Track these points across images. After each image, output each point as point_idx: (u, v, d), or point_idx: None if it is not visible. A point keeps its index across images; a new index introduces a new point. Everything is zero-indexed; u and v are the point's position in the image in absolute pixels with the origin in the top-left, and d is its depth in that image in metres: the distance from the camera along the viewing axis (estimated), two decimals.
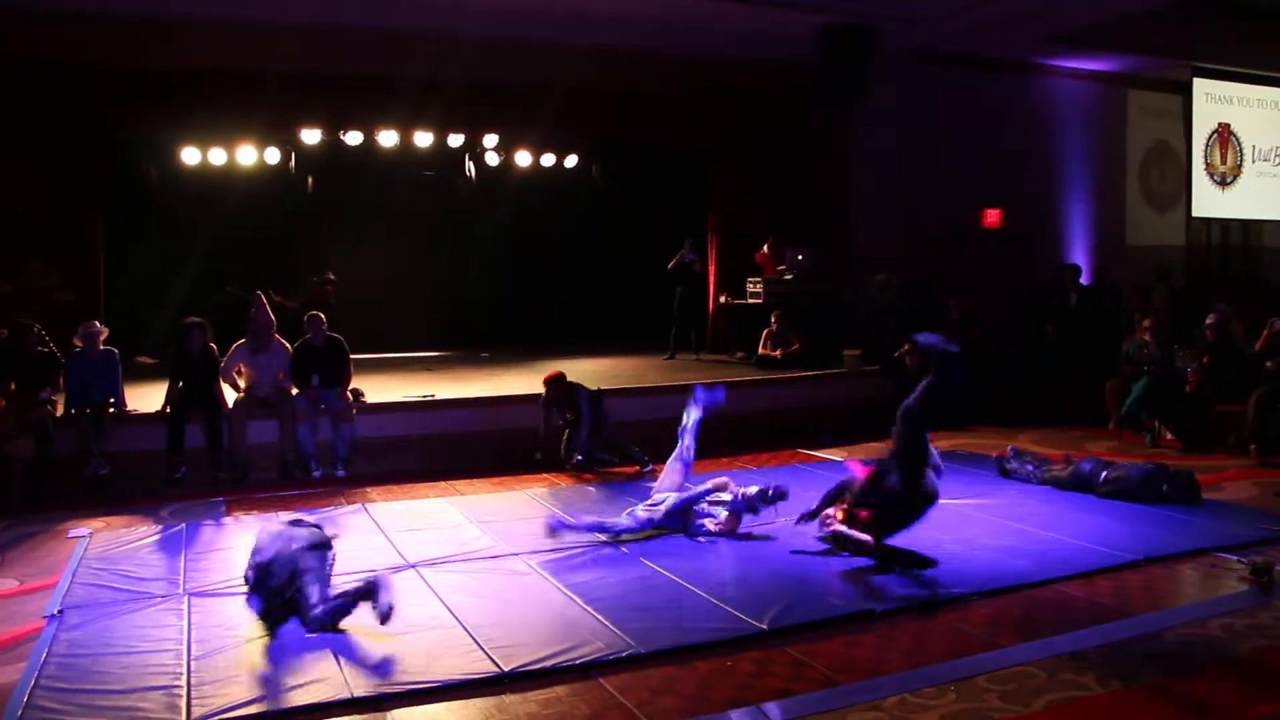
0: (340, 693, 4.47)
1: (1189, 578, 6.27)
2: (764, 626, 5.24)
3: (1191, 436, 10.45)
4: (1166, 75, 16.98)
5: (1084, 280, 14.34)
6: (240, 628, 5.35)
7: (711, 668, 4.82)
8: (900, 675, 4.70)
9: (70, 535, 7.41)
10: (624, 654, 4.89)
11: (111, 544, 7.05)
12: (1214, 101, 17.43)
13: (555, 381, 9.74)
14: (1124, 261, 16.12)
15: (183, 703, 4.40)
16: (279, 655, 4.96)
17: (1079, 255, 16.23)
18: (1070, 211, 16.71)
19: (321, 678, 4.63)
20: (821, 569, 6.33)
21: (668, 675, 4.72)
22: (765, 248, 14.27)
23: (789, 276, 13.87)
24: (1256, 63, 17.38)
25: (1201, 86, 17.19)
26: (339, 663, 4.80)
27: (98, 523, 7.74)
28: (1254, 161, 18.03)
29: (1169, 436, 10.70)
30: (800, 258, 13.87)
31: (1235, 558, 6.46)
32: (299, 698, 4.45)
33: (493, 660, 4.80)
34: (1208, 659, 4.90)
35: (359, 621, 5.33)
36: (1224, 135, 17.67)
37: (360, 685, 4.54)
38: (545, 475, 9.40)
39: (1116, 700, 4.44)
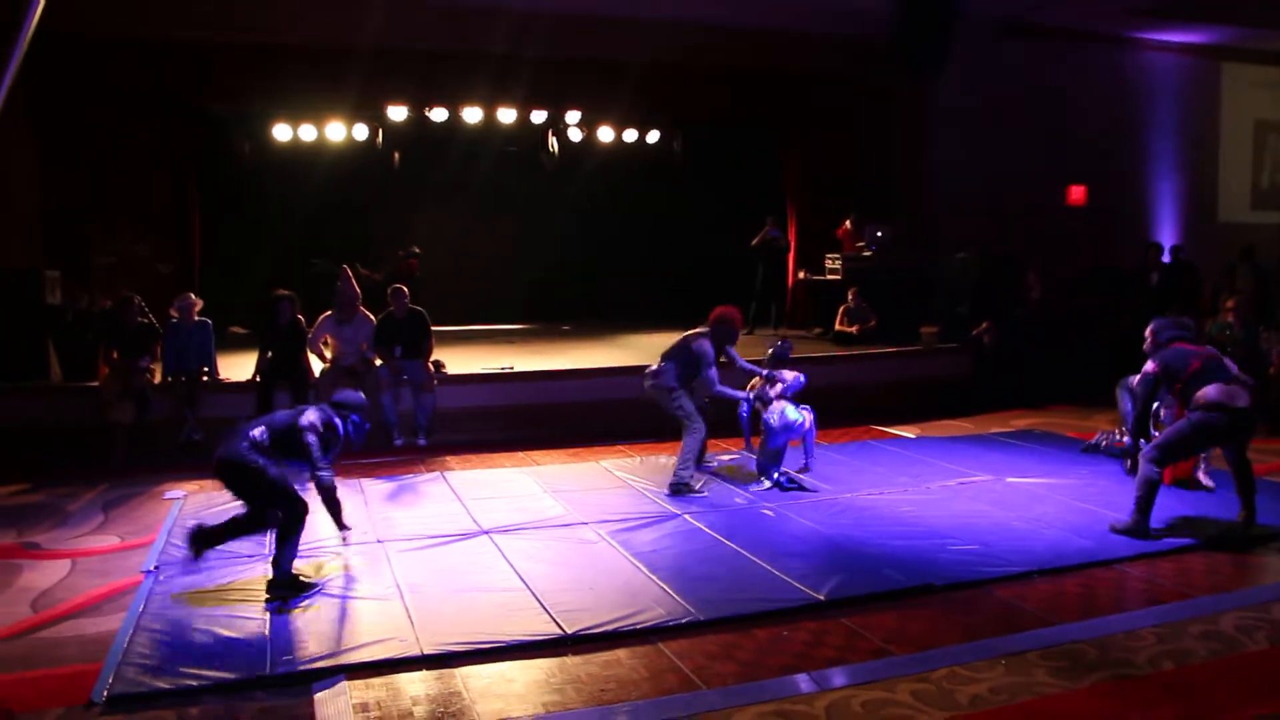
0: (411, 650, 4.72)
1: (1255, 563, 6.23)
2: (821, 598, 5.38)
3: (1275, 419, 10.27)
4: (1267, 46, 16.50)
5: (1166, 259, 14.09)
6: (321, 586, 5.65)
7: (769, 636, 4.98)
8: (951, 649, 4.79)
9: (166, 496, 7.84)
10: (684, 620, 5.07)
11: (204, 505, 7.41)
12: None
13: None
14: (1214, 240, 15.78)
15: (266, 654, 4.69)
16: (356, 614, 5.23)
17: (1166, 233, 15.92)
18: (1158, 189, 16.40)
19: (394, 635, 4.89)
20: (881, 542, 6.43)
21: (725, 642, 4.89)
22: (847, 223, 14.27)
23: (868, 253, 13.86)
24: None
25: None
26: (411, 622, 5.06)
27: (191, 485, 8.15)
28: None
29: None
30: (880, 234, 13.85)
31: None
32: (374, 653, 4.71)
33: (557, 623, 5.01)
34: (1266, 643, 4.91)
35: (431, 583, 5.61)
36: None
37: (430, 643, 4.79)
38: (619, 447, 9.60)
39: (1166, 679, 4.50)
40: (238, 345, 11.62)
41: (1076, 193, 15.58)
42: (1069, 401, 11.90)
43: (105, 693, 4.34)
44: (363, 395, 6.20)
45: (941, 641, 4.90)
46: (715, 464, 8.73)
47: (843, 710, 4.20)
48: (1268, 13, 15.01)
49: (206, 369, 9.66)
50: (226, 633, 4.97)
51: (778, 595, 5.44)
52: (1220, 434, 6.51)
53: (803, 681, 4.46)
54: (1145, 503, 6.53)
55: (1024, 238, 14.22)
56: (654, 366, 8.03)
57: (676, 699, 4.29)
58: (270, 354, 9.67)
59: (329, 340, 9.92)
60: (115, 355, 9.38)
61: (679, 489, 7.70)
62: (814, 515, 7.08)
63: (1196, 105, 16.74)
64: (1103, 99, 15.69)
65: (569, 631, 4.92)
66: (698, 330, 8.16)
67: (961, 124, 14.55)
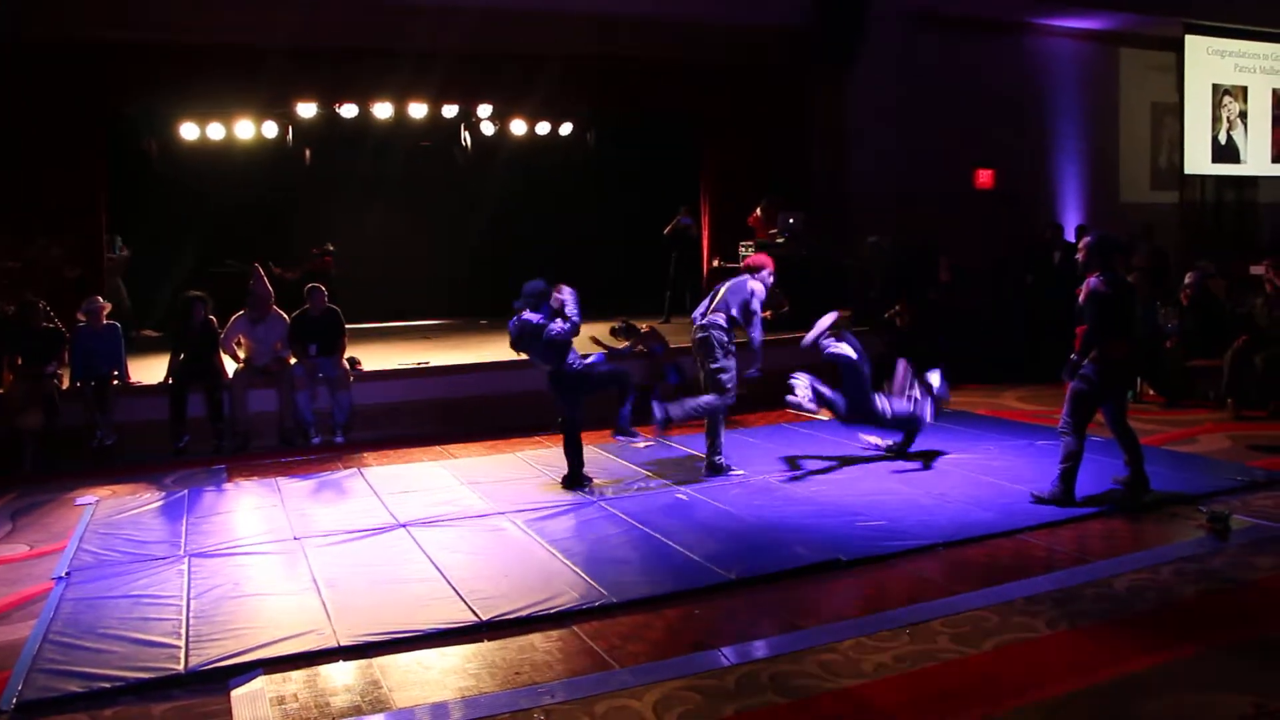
0: (328, 642, 4.76)
1: (1149, 528, 6.49)
2: (732, 576, 5.51)
3: (1172, 392, 10.66)
4: (1160, 32, 17.02)
5: (1069, 238, 14.48)
6: (238, 585, 5.64)
7: (680, 615, 5.09)
8: (858, 620, 4.95)
9: (77, 503, 7.72)
10: (597, 603, 5.16)
11: (117, 510, 7.35)
12: (1208, 57, 17.47)
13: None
14: (1117, 219, 16.20)
15: (181, 653, 4.69)
16: (273, 610, 5.24)
17: (1072, 214, 16.34)
18: (1064, 171, 16.81)
19: (312, 629, 4.91)
20: (792, 522, 6.58)
21: (637, 623, 5.00)
22: (758, 211, 14.43)
23: (780, 240, 14.04)
24: (1251, 19, 17.42)
25: (1195, 43, 17.22)
26: (328, 614, 5.08)
27: (104, 490, 8.05)
28: (1248, 118, 18.08)
29: (1150, 392, 10.89)
30: (792, 220, 14.02)
31: (1198, 508, 6.68)
32: (290, 647, 4.73)
33: (473, 611, 5.07)
34: (1155, 603, 5.14)
35: (347, 577, 5.64)
36: (1218, 92, 17.72)
37: (347, 635, 4.82)
38: (537, 439, 9.65)
39: (1060, 640, 4.70)
40: (149, 348, 11.45)
41: (984, 177, 15.92)
42: (979, 380, 12.20)
43: (14, 699, 4.29)
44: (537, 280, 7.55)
45: (849, 614, 5.06)
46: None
47: (752, 682, 4.32)
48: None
49: (117, 372, 9.51)
50: (140, 634, 4.94)
51: (689, 575, 5.55)
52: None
53: (713, 657, 4.57)
54: (1069, 473, 6.82)
55: (935, 222, 14.48)
56: (703, 316, 8.23)
57: (589, 679, 4.38)
58: (182, 356, 9.57)
59: (242, 340, 9.84)
60: (20, 361, 9.20)
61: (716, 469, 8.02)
62: (727, 498, 7.22)
63: (1097, 89, 17.17)
64: (1009, 85, 16.02)
65: (484, 618, 4.98)
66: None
67: (874, 112, 14.77)
